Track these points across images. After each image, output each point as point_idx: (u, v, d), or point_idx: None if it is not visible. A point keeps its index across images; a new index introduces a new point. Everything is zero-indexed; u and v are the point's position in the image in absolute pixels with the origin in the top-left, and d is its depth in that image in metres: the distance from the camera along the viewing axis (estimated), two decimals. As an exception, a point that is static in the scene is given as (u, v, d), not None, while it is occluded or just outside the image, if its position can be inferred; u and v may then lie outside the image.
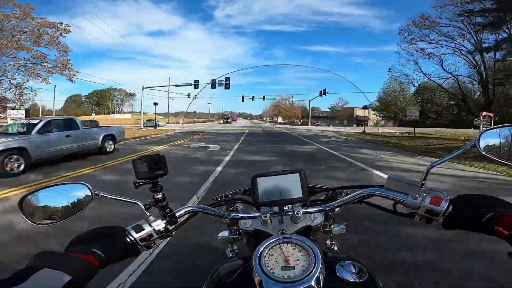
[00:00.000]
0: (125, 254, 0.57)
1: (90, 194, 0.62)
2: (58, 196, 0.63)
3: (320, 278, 0.50)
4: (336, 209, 0.82)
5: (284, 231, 0.66)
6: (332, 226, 0.88)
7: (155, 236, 0.62)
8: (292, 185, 0.67)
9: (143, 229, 0.60)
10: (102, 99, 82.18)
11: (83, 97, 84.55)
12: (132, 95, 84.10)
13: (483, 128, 0.58)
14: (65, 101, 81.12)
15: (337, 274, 0.55)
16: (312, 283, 0.48)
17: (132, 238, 0.59)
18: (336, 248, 0.90)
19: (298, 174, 0.67)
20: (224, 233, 0.94)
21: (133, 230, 0.60)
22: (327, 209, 0.70)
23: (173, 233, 0.66)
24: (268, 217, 0.66)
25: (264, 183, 0.68)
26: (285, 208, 0.68)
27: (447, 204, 0.55)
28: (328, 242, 0.91)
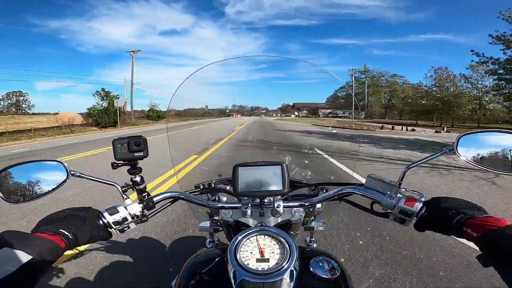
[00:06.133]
0: (96, 237, 0.56)
1: (65, 172, 0.60)
2: (32, 173, 0.61)
3: (294, 272, 0.50)
4: (318, 206, 0.83)
5: (263, 223, 0.66)
6: (313, 223, 0.89)
7: (130, 220, 0.61)
8: (273, 177, 0.67)
9: (118, 212, 0.59)
10: None
11: None
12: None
13: (462, 133, 0.58)
14: None
15: (311, 269, 0.55)
16: (285, 276, 0.48)
17: (105, 221, 0.58)
18: (315, 245, 0.91)
19: (280, 166, 0.67)
20: (205, 223, 0.94)
21: (106, 213, 0.59)
22: (307, 204, 0.71)
23: (149, 218, 0.66)
24: (248, 208, 0.66)
25: (245, 173, 0.67)
26: (266, 200, 0.68)
27: (420, 206, 0.56)
28: (308, 238, 0.92)
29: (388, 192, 0.61)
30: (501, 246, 0.41)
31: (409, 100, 41.50)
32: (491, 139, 0.57)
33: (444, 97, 31.59)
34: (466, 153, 0.56)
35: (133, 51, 32.29)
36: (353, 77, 46.74)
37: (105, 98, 26.82)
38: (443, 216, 0.52)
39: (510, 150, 0.55)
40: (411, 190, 0.60)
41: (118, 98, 27.11)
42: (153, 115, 36.73)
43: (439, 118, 35.41)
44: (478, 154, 0.57)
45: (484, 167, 0.56)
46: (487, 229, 0.44)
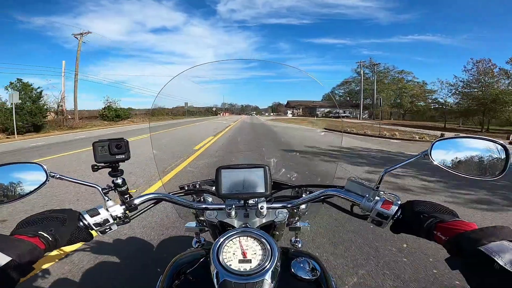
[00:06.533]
0: (76, 238, 0.56)
1: (45, 174, 0.59)
2: (12, 175, 0.60)
3: (275, 273, 0.51)
4: (302, 207, 0.84)
5: (247, 224, 0.67)
6: (298, 223, 0.90)
7: (111, 221, 0.61)
8: (256, 179, 0.67)
9: (99, 214, 0.59)
10: None
11: None
12: None
13: (436, 138, 0.60)
14: None
15: (292, 270, 0.56)
16: (266, 277, 0.49)
17: (86, 223, 0.58)
18: (300, 245, 0.92)
19: (262, 169, 0.68)
20: (191, 224, 0.94)
21: (87, 214, 0.59)
22: (289, 206, 0.72)
23: (131, 220, 0.66)
24: (232, 209, 0.67)
25: (228, 175, 0.68)
26: (250, 202, 0.69)
27: (396, 208, 0.58)
28: (293, 239, 0.94)
29: (367, 195, 0.62)
30: (466, 250, 0.42)
31: (414, 99, 38.09)
32: (465, 145, 0.59)
33: (491, 95, 26.31)
34: (440, 158, 0.58)
35: (81, 34, 24.95)
36: (361, 72, 41.34)
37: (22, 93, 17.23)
38: (415, 219, 0.53)
39: (481, 157, 0.57)
40: (388, 193, 0.62)
41: (44, 90, 18.77)
42: (110, 115, 27.30)
43: (464, 121, 31.16)
44: (455, 158, 0.59)
45: (457, 172, 0.57)
46: (455, 233, 0.46)
